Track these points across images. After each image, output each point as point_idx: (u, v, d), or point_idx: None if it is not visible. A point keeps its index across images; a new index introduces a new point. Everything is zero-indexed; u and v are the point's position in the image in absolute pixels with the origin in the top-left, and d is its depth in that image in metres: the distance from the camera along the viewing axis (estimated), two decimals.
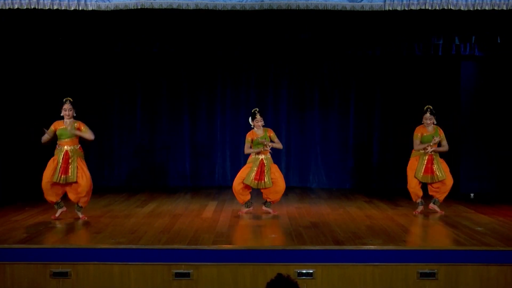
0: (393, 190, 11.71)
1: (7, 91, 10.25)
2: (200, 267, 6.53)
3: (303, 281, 6.40)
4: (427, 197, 8.99)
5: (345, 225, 8.00)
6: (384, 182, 12.33)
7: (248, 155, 8.88)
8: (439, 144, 8.79)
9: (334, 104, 12.44)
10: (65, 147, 8.14)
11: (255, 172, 8.65)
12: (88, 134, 8.20)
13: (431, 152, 8.74)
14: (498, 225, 8.06)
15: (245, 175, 8.70)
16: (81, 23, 9.51)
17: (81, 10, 7.95)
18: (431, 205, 8.95)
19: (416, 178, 8.79)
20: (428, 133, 8.77)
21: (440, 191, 8.89)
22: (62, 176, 8.07)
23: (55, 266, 6.51)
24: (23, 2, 7.88)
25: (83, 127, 8.19)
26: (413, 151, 8.93)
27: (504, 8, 7.89)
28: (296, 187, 12.26)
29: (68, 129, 8.11)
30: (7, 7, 7.91)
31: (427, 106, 8.82)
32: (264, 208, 8.96)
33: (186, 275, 6.48)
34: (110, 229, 7.71)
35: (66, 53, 11.20)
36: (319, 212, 9.24)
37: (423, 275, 6.48)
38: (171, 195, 11.08)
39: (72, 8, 7.93)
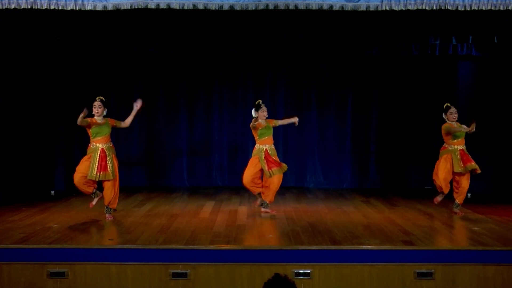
0: (390, 190, 11.74)
1: (6, 91, 10.23)
2: (198, 267, 6.53)
3: (300, 281, 6.41)
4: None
5: (342, 225, 8.00)
6: (381, 182, 12.34)
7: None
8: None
9: (331, 104, 12.44)
10: (100, 145, 8.18)
11: (265, 162, 8.72)
12: (124, 123, 8.48)
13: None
14: (495, 225, 8.07)
15: (256, 169, 8.78)
16: (79, 23, 9.50)
17: (78, 10, 7.95)
18: (454, 210, 8.88)
19: (451, 173, 8.73)
20: (456, 128, 8.79)
21: (459, 192, 8.81)
22: (99, 173, 8.07)
23: (52, 266, 6.50)
24: (20, 2, 7.87)
25: (115, 121, 8.39)
26: (442, 150, 8.89)
27: (501, 8, 7.91)
28: (294, 187, 12.27)
29: (103, 126, 8.22)
30: (4, 7, 7.90)
31: (446, 103, 8.85)
32: (262, 209, 8.97)
33: (184, 275, 6.48)
34: (107, 229, 7.71)
35: (63, 53, 11.19)
36: (316, 212, 9.24)
37: (420, 275, 6.49)
38: (169, 195, 11.08)
39: (69, 8, 7.93)
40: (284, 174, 12.30)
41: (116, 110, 12.33)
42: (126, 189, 11.56)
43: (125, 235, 7.29)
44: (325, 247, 6.72)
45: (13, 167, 10.46)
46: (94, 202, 8.39)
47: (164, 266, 6.53)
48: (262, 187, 8.93)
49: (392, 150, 12.35)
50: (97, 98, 8.27)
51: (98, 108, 8.20)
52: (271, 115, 12.07)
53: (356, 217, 8.75)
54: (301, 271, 6.48)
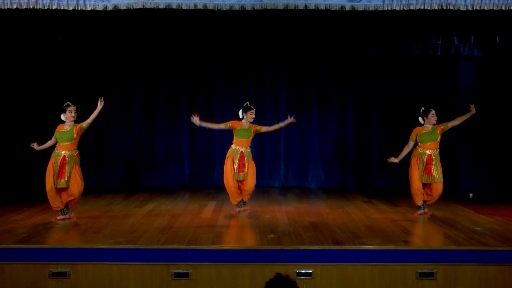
0: (392, 190, 11.72)
1: (7, 91, 10.24)
2: (199, 267, 6.53)
3: (302, 281, 6.40)
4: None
5: (344, 225, 8.00)
6: (383, 182, 12.33)
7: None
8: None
9: (332, 104, 12.45)
10: (63, 151, 8.11)
11: (237, 164, 8.73)
12: (85, 123, 8.15)
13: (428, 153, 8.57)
14: (496, 225, 8.07)
15: (232, 171, 8.75)
16: (80, 23, 9.51)
17: (80, 10, 7.95)
18: (419, 212, 8.75)
19: (419, 181, 8.60)
20: (426, 131, 8.64)
21: (432, 197, 8.66)
22: (57, 180, 8.05)
23: (54, 266, 6.51)
24: (22, 2, 7.87)
25: (79, 126, 8.13)
26: (414, 151, 8.83)
27: (503, 8, 7.90)
28: (295, 187, 12.28)
29: (67, 132, 8.10)
30: (6, 7, 7.90)
31: (422, 107, 8.70)
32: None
33: (185, 275, 6.48)
34: (109, 229, 7.71)
35: (65, 53, 11.20)
36: (318, 212, 9.24)
37: (422, 275, 6.49)
38: (170, 195, 11.08)
39: (71, 8, 7.93)
40: (285, 174, 12.44)
41: (118, 110, 12.40)
42: (128, 189, 11.63)
43: (127, 235, 7.28)
44: (327, 247, 6.71)
45: (14, 167, 10.47)
46: (59, 218, 8.18)
47: (166, 266, 6.53)
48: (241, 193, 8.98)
49: (394, 150, 12.29)
50: (70, 104, 8.13)
51: (74, 113, 8.13)
52: (273, 115, 12.18)
53: (358, 217, 8.75)
54: (303, 271, 6.48)
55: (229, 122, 8.97)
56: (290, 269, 6.38)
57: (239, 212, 8.91)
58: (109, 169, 12.38)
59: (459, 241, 7.05)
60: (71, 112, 8.13)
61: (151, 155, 12.54)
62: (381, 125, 12.40)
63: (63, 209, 8.24)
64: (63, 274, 6.47)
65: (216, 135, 12.43)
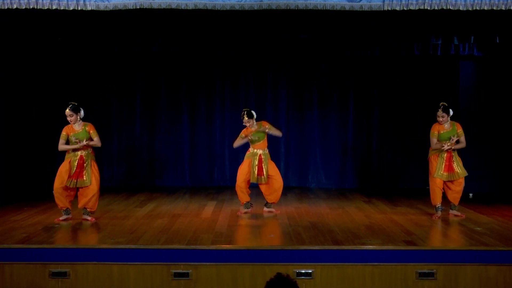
0: (392, 190, 11.73)
1: (7, 91, 10.24)
2: (199, 267, 6.53)
3: (302, 281, 6.41)
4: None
5: (344, 225, 8.00)
6: (383, 182, 12.33)
7: (246, 150, 9.01)
8: (457, 141, 8.50)
9: (333, 104, 12.44)
10: (79, 152, 8.08)
11: (256, 167, 8.73)
12: (96, 141, 8.12)
13: (447, 149, 8.39)
14: (497, 225, 8.07)
15: (247, 171, 8.75)
16: (80, 23, 9.51)
17: (80, 10, 7.96)
18: (451, 212, 8.69)
19: (436, 177, 8.47)
20: (445, 130, 8.49)
21: (458, 193, 8.61)
22: (74, 180, 8.01)
23: (54, 266, 6.51)
24: (22, 2, 7.87)
25: (92, 130, 8.12)
26: (431, 150, 8.70)
27: (503, 8, 7.90)
28: (295, 187, 12.27)
29: (80, 133, 8.08)
30: (6, 7, 7.90)
31: (442, 103, 8.50)
32: (265, 209, 8.99)
33: (185, 275, 6.49)
34: (109, 229, 7.71)
35: (65, 53, 11.21)
36: (318, 212, 9.24)
37: (422, 275, 6.49)
38: (170, 195, 11.08)
39: (71, 8, 7.93)
40: (286, 174, 12.43)
41: (118, 110, 12.40)
42: (128, 189, 11.63)
43: (127, 235, 7.28)
44: (327, 247, 6.71)
45: (14, 167, 10.47)
46: (61, 218, 8.18)
47: (166, 266, 6.53)
48: (249, 194, 8.98)
49: (394, 150, 12.34)
50: (68, 108, 8.06)
51: (69, 117, 8.06)
52: (273, 115, 12.18)
53: (358, 217, 8.75)
54: (303, 271, 6.48)
55: (241, 133, 8.99)
56: (290, 269, 6.39)
57: (245, 213, 8.88)
58: (110, 169, 12.37)
59: (459, 241, 7.06)
60: (66, 116, 8.07)
61: (152, 155, 12.54)
62: (381, 125, 12.39)
63: (67, 209, 8.20)
64: (63, 274, 6.48)
65: (216, 136, 12.44)
